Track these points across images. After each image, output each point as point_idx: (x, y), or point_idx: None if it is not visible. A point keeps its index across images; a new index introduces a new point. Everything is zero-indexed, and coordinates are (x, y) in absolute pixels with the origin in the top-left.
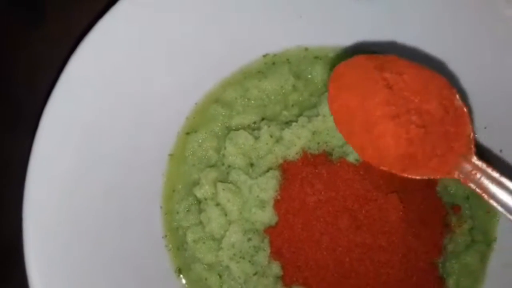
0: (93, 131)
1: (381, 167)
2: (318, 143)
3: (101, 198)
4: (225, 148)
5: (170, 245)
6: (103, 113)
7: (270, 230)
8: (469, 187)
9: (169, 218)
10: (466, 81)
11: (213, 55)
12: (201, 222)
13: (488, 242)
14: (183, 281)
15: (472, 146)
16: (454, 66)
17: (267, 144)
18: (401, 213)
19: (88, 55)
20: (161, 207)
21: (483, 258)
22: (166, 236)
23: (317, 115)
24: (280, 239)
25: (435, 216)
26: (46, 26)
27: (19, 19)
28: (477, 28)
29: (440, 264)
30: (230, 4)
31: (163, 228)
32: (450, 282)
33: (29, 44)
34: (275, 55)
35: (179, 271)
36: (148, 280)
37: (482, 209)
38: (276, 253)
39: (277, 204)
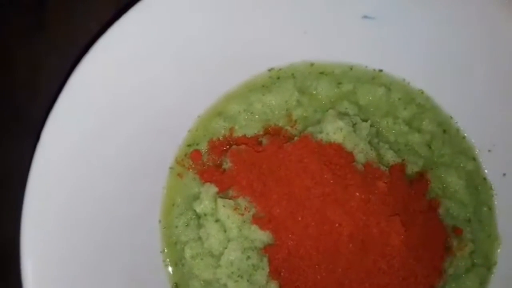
0: (94, 142)
1: None
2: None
3: (99, 208)
4: (226, 162)
5: (168, 260)
6: (105, 123)
7: (269, 249)
8: None
9: (167, 232)
10: (469, 102)
11: (217, 69)
12: (200, 238)
13: (489, 266)
14: None
15: None
16: (458, 87)
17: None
18: (402, 237)
19: (93, 66)
20: (160, 221)
21: (483, 282)
22: (164, 250)
23: (321, 132)
24: (279, 258)
25: (437, 239)
26: (48, 29)
27: (20, 22)
28: (480, 47)
29: (439, 287)
30: (236, 18)
31: (161, 242)
32: None
33: (30, 47)
34: (280, 69)
35: (176, 286)
36: None
37: (484, 233)
38: (275, 272)
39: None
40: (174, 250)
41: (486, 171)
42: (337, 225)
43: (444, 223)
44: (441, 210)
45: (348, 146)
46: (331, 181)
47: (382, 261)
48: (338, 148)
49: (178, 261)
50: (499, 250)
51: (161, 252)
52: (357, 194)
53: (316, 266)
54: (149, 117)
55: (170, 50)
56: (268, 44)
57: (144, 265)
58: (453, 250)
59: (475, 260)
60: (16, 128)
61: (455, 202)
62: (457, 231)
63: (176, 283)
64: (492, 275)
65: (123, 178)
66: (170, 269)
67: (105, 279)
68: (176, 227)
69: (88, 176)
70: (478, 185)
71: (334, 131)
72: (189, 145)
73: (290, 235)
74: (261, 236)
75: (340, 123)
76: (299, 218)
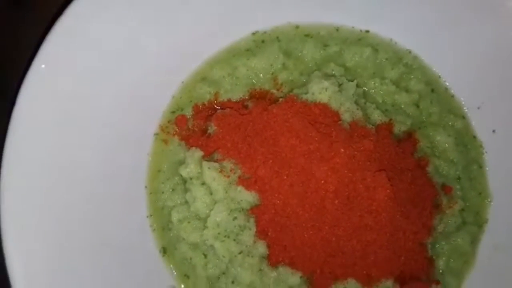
0: (74, 109)
1: None
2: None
3: (84, 177)
4: (211, 127)
5: (155, 225)
6: (85, 90)
7: (255, 209)
8: None
9: (154, 198)
10: (457, 60)
11: (200, 33)
12: (186, 202)
13: (480, 223)
14: (168, 261)
15: None
16: (446, 46)
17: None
18: (388, 191)
19: (70, 28)
20: (146, 187)
21: (474, 240)
22: (151, 215)
23: (306, 92)
24: (266, 218)
25: (425, 196)
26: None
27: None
28: (468, 3)
29: (429, 245)
30: None
31: (148, 208)
32: (440, 263)
33: (11, 23)
34: (264, 32)
35: (164, 250)
36: (132, 260)
37: (475, 190)
38: (262, 233)
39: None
40: (161, 215)
41: (475, 128)
42: (322, 182)
43: (433, 181)
44: (430, 168)
45: (334, 105)
46: (316, 139)
47: (369, 217)
48: (323, 108)
49: (165, 226)
50: (490, 208)
51: (147, 217)
52: (342, 150)
53: (303, 224)
54: (132, 84)
55: (150, 15)
56: (251, 7)
57: (131, 230)
58: (442, 207)
59: (466, 218)
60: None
61: (444, 161)
62: (446, 189)
63: (163, 247)
64: (483, 233)
65: (107, 146)
66: (157, 233)
67: (92, 246)
68: (163, 192)
69: (71, 143)
70: (467, 143)
71: (319, 91)
72: (173, 112)
73: (276, 195)
74: (247, 197)
75: (326, 83)
76: (285, 177)
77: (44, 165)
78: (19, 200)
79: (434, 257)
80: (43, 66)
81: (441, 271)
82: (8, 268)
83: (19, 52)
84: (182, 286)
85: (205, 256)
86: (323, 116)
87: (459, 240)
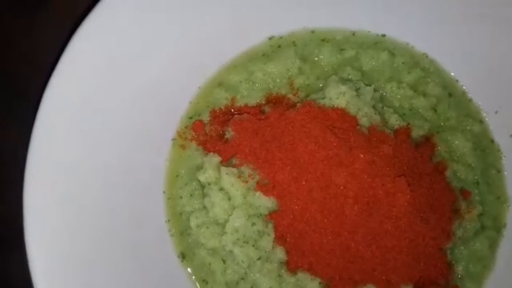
0: (95, 115)
1: None
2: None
3: (103, 182)
4: (229, 132)
5: (174, 230)
6: (105, 97)
7: (274, 215)
8: None
9: (172, 203)
10: (475, 64)
11: (216, 38)
12: (204, 207)
13: (498, 228)
14: (187, 266)
15: None
16: (463, 50)
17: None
18: (408, 197)
19: (90, 36)
20: (164, 192)
21: (493, 245)
22: (169, 221)
23: (324, 97)
24: (285, 224)
25: (444, 201)
26: (49, 6)
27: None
28: (485, 7)
29: (448, 250)
30: None
31: (166, 213)
32: (459, 268)
33: (32, 24)
34: (281, 37)
35: (183, 256)
36: (151, 265)
37: (493, 195)
38: (281, 238)
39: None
40: (179, 220)
41: (493, 133)
42: (341, 187)
43: (451, 186)
44: (448, 173)
45: (352, 110)
46: (335, 144)
47: (388, 223)
48: (341, 112)
49: (183, 231)
50: (508, 213)
51: (166, 222)
52: (362, 156)
53: (322, 230)
54: (149, 90)
55: (166, 20)
56: (268, 12)
57: (150, 236)
58: (461, 212)
59: (484, 223)
60: (17, 103)
61: (462, 165)
62: (465, 193)
63: (182, 253)
64: (502, 238)
65: (125, 152)
66: (175, 238)
67: (111, 251)
68: (181, 197)
69: (91, 149)
70: (485, 148)
71: (336, 95)
72: (190, 117)
73: (294, 200)
74: (266, 202)
75: (343, 88)
76: (303, 183)
77: (64, 170)
78: (41, 202)
79: (453, 262)
80: (63, 74)
81: (460, 276)
82: (31, 270)
83: (36, 53)
84: None
85: (224, 261)
86: (341, 121)
87: (477, 245)
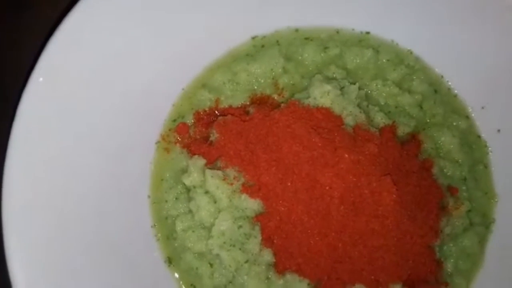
0: (76, 119)
1: None
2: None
3: (87, 187)
4: (213, 134)
5: (159, 235)
6: (87, 101)
7: (260, 217)
8: None
9: (157, 207)
10: (460, 60)
11: (199, 39)
12: (190, 211)
13: (487, 224)
14: (174, 271)
15: None
16: (448, 46)
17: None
18: (394, 196)
19: (67, 41)
20: (149, 196)
21: (482, 241)
22: (155, 225)
23: (308, 97)
24: (271, 226)
25: (431, 198)
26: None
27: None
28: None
29: (437, 248)
30: None
31: (151, 217)
32: (448, 265)
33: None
34: (264, 37)
35: (169, 260)
36: (138, 270)
37: (480, 191)
38: (268, 240)
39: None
40: (165, 225)
41: (480, 128)
42: (327, 188)
43: (438, 183)
44: (435, 170)
45: (336, 109)
46: (320, 145)
47: (375, 222)
48: (326, 112)
49: (169, 235)
50: (496, 208)
51: (152, 227)
52: (346, 155)
53: (309, 231)
54: (131, 93)
55: (148, 22)
56: (250, 12)
57: (136, 241)
58: (449, 209)
59: (472, 219)
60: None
61: (449, 162)
62: (452, 190)
63: (168, 257)
64: (491, 233)
65: (108, 156)
66: (162, 243)
67: (97, 258)
68: (166, 201)
69: (73, 153)
70: (472, 143)
71: (321, 95)
72: (174, 120)
73: (280, 202)
74: (252, 204)
75: (327, 87)
76: (289, 184)
77: (45, 174)
78: (21, 208)
79: (442, 259)
80: (41, 78)
81: (449, 273)
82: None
83: (19, 54)
84: None
85: (211, 265)
86: (326, 121)
87: (466, 241)
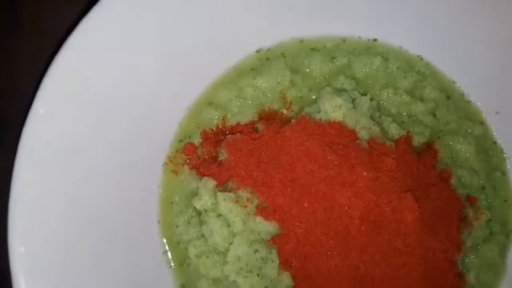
0: (78, 144)
1: None
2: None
3: (93, 215)
4: (222, 153)
5: (172, 261)
6: (89, 125)
7: (277, 240)
8: None
9: (168, 232)
10: (471, 63)
11: (202, 54)
12: (203, 235)
13: (507, 232)
14: None
15: None
16: (459, 50)
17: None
18: (417, 213)
19: (69, 61)
20: (158, 222)
21: (502, 250)
22: (166, 252)
23: (319, 111)
24: (289, 248)
25: (451, 211)
26: (22, 28)
27: None
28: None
29: (459, 261)
30: (216, 1)
31: (162, 244)
32: (471, 277)
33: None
34: (268, 49)
35: None
36: None
37: (499, 199)
38: (286, 263)
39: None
40: (178, 250)
41: (495, 134)
42: (346, 208)
43: (457, 194)
44: (453, 180)
45: (349, 123)
46: (336, 163)
47: (398, 240)
48: (339, 127)
49: (182, 261)
50: None
51: (163, 253)
52: (365, 173)
53: (328, 252)
54: (135, 115)
55: (149, 40)
56: (253, 24)
57: (148, 269)
58: (469, 220)
59: (493, 228)
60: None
61: (466, 170)
62: (471, 200)
63: (182, 285)
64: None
65: (114, 182)
66: (175, 270)
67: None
68: (177, 226)
69: (77, 183)
70: (488, 150)
71: (332, 109)
72: (180, 140)
73: (297, 223)
74: (267, 227)
75: (338, 100)
76: (305, 205)
77: (51, 203)
78: (27, 240)
79: (464, 271)
80: (42, 110)
81: (472, 285)
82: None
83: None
84: None
85: None
86: (339, 137)
87: (487, 251)
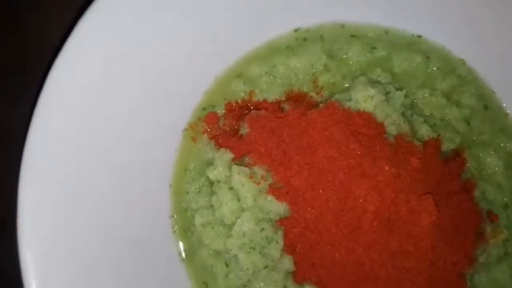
0: (102, 97)
1: None
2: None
3: (109, 168)
4: (244, 128)
5: (177, 227)
6: (114, 78)
7: (285, 222)
8: None
9: (178, 198)
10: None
11: (238, 26)
12: (211, 206)
13: None
14: (187, 267)
15: None
16: (504, 59)
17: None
18: (434, 218)
19: (102, 10)
20: (170, 186)
21: None
22: (173, 216)
23: (350, 99)
24: (295, 232)
25: (470, 224)
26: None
27: None
28: None
29: (468, 276)
30: None
31: (170, 208)
32: None
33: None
34: (307, 30)
35: (184, 255)
36: (150, 259)
37: None
38: (290, 247)
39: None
40: (184, 217)
41: None
42: (361, 200)
43: (479, 207)
44: (476, 193)
45: (379, 116)
46: (358, 153)
47: (409, 243)
48: (367, 118)
49: (187, 229)
50: None
51: (170, 217)
52: (387, 168)
53: (335, 243)
54: (162, 76)
55: (188, 4)
56: (295, 1)
57: (152, 230)
58: (486, 236)
59: (509, 249)
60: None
61: (492, 185)
62: (492, 216)
63: (183, 251)
64: None
65: (134, 138)
66: (178, 236)
67: (111, 244)
68: (187, 193)
69: (99, 136)
70: None
71: (364, 99)
72: (204, 108)
73: (308, 208)
74: (277, 207)
75: (372, 91)
76: (320, 191)
77: (69, 151)
78: (38, 193)
79: None
80: (70, 52)
81: None
82: (22, 269)
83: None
84: None
85: (227, 265)
86: (366, 127)
87: (499, 273)
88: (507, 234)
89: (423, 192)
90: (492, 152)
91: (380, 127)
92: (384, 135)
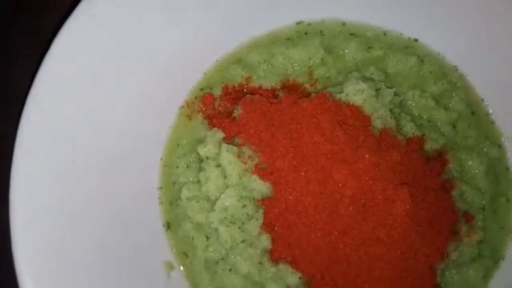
0: (101, 69)
1: None
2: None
3: (102, 134)
4: (237, 110)
5: (163, 198)
6: (116, 55)
7: (266, 201)
8: None
9: (167, 171)
10: (505, 86)
11: (242, 14)
12: (198, 181)
13: (496, 259)
14: (170, 237)
15: None
16: (496, 70)
17: None
18: (408, 207)
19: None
20: (161, 159)
21: (487, 275)
22: (161, 188)
23: (341, 92)
24: (275, 212)
25: (445, 221)
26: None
27: None
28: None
29: (439, 271)
30: None
31: (160, 180)
32: None
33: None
34: (309, 24)
35: (168, 225)
36: (134, 229)
37: (497, 224)
38: (269, 226)
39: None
40: (171, 190)
41: (510, 160)
42: (340, 185)
43: (455, 207)
44: (455, 193)
45: (367, 110)
46: (342, 140)
47: (382, 230)
48: (355, 110)
49: (173, 201)
50: (509, 245)
51: (158, 189)
52: (367, 156)
53: (312, 225)
54: (163, 54)
55: None
56: None
57: (139, 200)
58: (460, 235)
59: (482, 251)
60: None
61: (471, 187)
62: (468, 217)
63: (168, 222)
64: (498, 269)
65: (130, 110)
66: (164, 207)
67: (99, 209)
68: (177, 167)
69: (97, 107)
70: (499, 174)
71: (354, 92)
72: (202, 89)
73: (289, 190)
74: (261, 187)
75: (363, 85)
76: (302, 173)
77: (57, 129)
78: (29, 163)
79: (442, 285)
80: (68, 32)
81: None
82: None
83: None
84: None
85: (208, 238)
86: (353, 119)
87: (471, 272)
88: (481, 236)
89: (400, 183)
90: (475, 156)
91: (366, 120)
92: (370, 128)
